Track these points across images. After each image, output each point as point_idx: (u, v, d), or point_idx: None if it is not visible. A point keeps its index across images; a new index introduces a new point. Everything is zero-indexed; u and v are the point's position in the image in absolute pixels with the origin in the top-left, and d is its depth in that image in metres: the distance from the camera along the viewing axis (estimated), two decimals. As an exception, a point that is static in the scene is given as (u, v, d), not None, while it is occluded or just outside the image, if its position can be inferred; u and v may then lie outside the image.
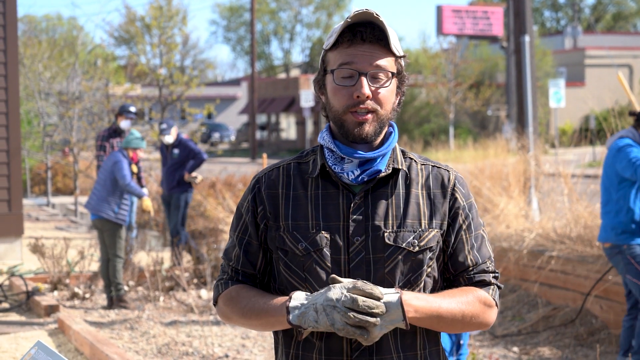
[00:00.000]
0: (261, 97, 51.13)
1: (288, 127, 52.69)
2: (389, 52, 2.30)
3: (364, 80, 2.27)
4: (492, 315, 2.35)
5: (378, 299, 2.14)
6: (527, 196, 10.92)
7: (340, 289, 2.15)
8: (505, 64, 36.13)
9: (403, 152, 2.41)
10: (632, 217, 6.03)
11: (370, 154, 2.31)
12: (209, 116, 55.72)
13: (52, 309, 8.39)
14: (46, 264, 9.71)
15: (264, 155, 9.14)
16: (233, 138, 54.91)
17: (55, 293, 9.53)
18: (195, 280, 9.62)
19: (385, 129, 2.35)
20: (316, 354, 2.29)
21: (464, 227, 2.36)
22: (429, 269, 2.32)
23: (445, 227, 2.34)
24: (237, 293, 2.35)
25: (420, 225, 2.31)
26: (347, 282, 2.17)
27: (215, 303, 2.43)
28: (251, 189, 2.40)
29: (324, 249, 2.28)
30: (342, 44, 2.30)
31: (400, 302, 2.16)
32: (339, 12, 63.05)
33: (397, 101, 2.37)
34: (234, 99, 62.37)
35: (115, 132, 11.07)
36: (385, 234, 2.28)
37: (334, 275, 2.19)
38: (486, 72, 40.89)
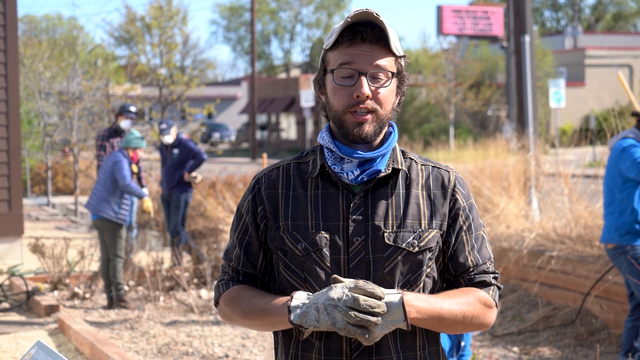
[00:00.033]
0: (261, 97, 51.13)
1: (288, 127, 52.66)
2: (389, 51, 2.30)
3: (364, 80, 2.26)
4: (492, 316, 2.35)
5: (379, 298, 2.14)
6: (527, 196, 10.91)
7: (341, 288, 2.15)
8: (505, 64, 36.14)
9: (403, 152, 2.40)
10: (636, 218, 6.02)
11: (370, 154, 2.30)
12: (209, 116, 55.70)
13: (52, 309, 8.39)
14: (46, 263, 9.71)
15: (264, 155, 9.12)
16: (233, 138, 54.86)
17: (56, 293, 9.53)
18: (195, 280, 9.61)
19: (385, 129, 2.34)
20: (316, 354, 2.29)
21: (465, 228, 2.36)
22: (429, 270, 2.32)
23: (445, 227, 2.34)
24: (238, 293, 2.35)
25: (420, 225, 2.31)
26: (349, 281, 2.16)
27: (217, 304, 2.43)
28: (251, 189, 2.39)
29: (324, 249, 2.28)
30: (342, 43, 2.29)
31: (402, 303, 2.16)
32: (339, 12, 63.03)
33: (397, 101, 2.36)
34: (234, 99, 62.35)
35: (116, 131, 11.07)
36: (385, 234, 2.27)
37: (335, 275, 2.18)
38: (486, 72, 40.87)
